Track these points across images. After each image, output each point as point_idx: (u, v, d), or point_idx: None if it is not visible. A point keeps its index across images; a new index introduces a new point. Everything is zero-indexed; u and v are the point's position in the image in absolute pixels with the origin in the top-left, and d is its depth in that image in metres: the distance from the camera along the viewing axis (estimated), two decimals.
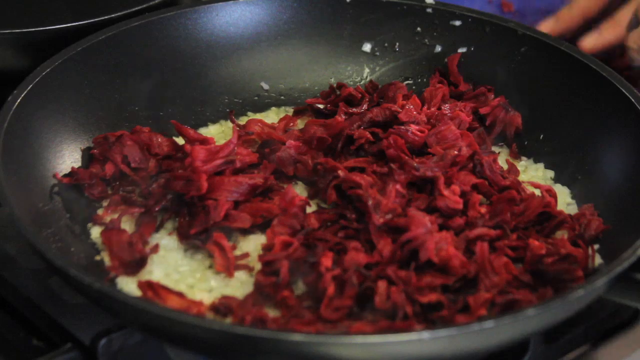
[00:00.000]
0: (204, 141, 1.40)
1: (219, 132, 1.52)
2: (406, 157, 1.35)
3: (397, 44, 1.60)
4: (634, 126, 1.39)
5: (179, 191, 1.31)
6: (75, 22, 1.52)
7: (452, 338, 1.08)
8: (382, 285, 1.19)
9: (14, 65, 1.55)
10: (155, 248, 1.29)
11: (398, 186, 1.30)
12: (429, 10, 1.58)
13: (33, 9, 1.72)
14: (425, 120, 1.41)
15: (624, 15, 1.65)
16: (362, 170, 1.36)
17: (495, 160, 1.38)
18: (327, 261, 1.21)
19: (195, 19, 1.55)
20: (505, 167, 1.42)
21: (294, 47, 1.59)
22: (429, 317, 1.18)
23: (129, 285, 1.24)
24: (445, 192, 1.31)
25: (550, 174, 1.46)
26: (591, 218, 1.33)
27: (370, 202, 1.26)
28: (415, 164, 1.33)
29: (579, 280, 1.23)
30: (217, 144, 1.42)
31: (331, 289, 1.19)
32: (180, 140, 1.43)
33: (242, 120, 1.52)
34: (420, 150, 1.38)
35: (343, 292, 1.19)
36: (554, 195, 1.37)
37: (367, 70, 1.61)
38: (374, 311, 1.18)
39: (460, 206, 1.30)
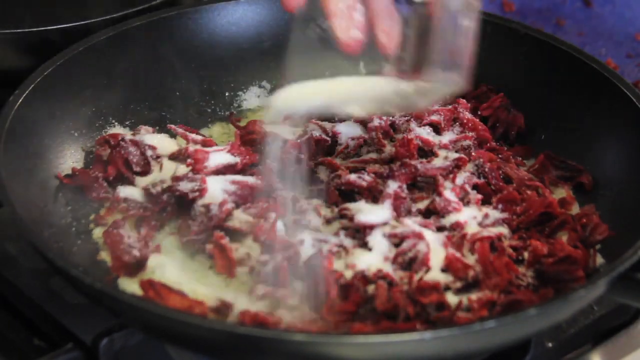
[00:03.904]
0: (205, 143, 1.40)
1: (221, 133, 1.52)
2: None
3: None
4: (636, 126, 1.38)
5: (180, 193, 1.31)
6: (76, 22, 1.52)
7: (454, 338, 1.08)
8: (382, 286, 1.19)
9: (16, 65, 1.55)
10: (157, 249, 1.29)
11: (397, 188, 1.30)
12: None
13: (34, 9, 1.72)
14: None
15: None
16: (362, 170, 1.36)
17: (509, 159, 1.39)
18: (329, 263, 1.21)
19: (197, 18, 1.55)
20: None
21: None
22: (430, 318, 1.18)
23: (130, 286, 1.25)
24: (445, 193, 1.31)
25: None
26: (597, 223, 1.32)
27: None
28: (416, 164, 1.33)
29: (580, 280, 1.23)
30: (219, 144, 1.42)
31: (334, 292, 1.19)
32: (182, 141, 1.43)
33: (243, 122, 1.52)
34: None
35: (348, 297, 1.19)
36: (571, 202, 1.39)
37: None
38: (375, 312, 1.18)
39: (460, 207, 1.30)
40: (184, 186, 1.31)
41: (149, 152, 1.38)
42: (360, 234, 1.26)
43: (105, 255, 1.29)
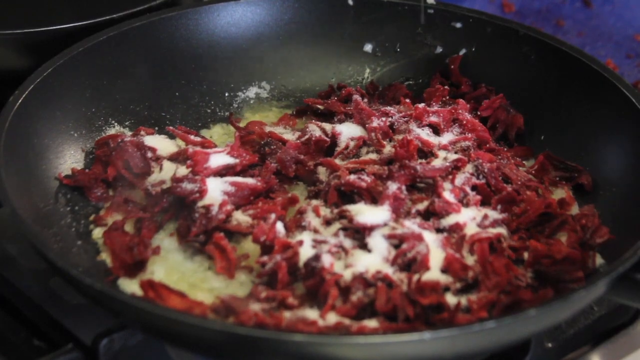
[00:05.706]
0: (204, 144, 1.40)
1: (221, 134, 1.52)
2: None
3: (398, 44, 1.60)
4: (636, 126, 1.38)
5: (180, 194, 1.31)
6: (76, 22, 1.52)
7: (454, 338, 1.08)
8: (382, 287, 1.19)
9: (16, 66, 1.55)
10: (157, 250, 1.29)
11: (396, 189, 1.30)
12: (430, 10, 1.58)
13: (34, 10, 1.72)
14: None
15: None
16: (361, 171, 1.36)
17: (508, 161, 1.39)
18: (330, 265, 1.21)
19: (197, 19, 1.55)
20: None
21: (295, 47, 1.59)
22: (430, 319, 1.18)
23: (130, 286, 1.24)
24: (445, 195, 1.31)
25: None
26: (598, 225, 1.32)
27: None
28: (415, 165, 1.33)
29: (579, 280, 1.23)
30: (219, 145, 1.42)
31: (334, 294, 1.18)
32: (181, 142, 1.43)
33: (243, 122, 1.52)
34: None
35: (347, 299, 1.19)
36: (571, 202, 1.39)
37: (368, 70, 1.61)
38: (375, 313, 1.18)
39: (459, 209, 1.30)
40: (184, 187, 1.31)
41: (149, 154, 1.38)
42: (359, 235, 1.26)
43: (105, 256, 1.29)
